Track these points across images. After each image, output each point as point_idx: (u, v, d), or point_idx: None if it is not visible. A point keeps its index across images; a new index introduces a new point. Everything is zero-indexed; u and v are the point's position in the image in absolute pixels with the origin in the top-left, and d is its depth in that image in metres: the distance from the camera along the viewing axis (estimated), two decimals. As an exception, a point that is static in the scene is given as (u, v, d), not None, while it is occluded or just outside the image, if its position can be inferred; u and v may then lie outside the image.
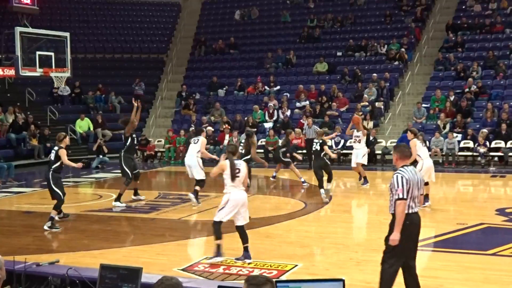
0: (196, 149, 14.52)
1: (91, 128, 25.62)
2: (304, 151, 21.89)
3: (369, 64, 27.94)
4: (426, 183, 12.94)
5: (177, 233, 12.07)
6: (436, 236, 11.01)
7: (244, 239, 9.37)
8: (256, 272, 8.66)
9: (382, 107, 25.00)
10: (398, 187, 6.75)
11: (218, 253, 9.27)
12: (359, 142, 17.27)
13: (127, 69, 31.18)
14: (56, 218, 12.34)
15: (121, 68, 31.55)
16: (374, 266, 9.05)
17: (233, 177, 9.14)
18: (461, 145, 21.86)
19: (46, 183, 12.55)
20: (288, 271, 8.75)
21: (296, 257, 9.57)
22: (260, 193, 17.31)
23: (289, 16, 32.57)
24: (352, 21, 30.93)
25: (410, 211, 6.82)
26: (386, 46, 28.13)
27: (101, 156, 23.26)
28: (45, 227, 11.87)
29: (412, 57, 27.56)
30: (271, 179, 18.95)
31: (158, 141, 25.84)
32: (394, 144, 21.87)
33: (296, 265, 9.03)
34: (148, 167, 23.73)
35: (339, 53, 29.18)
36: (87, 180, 19.89)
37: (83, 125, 25.61)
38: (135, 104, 14.81)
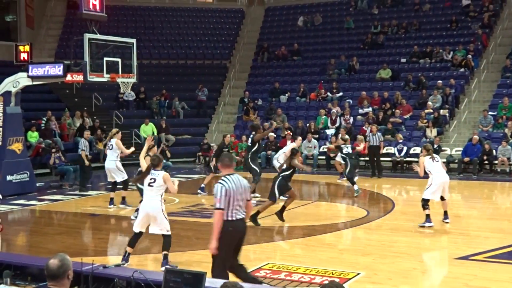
0: (114, 153, 15.08)
1: (155, 133, 26.00)
2: (367, 158, 21.70)
3: (434, 71, 27.48)
4: (443, 199, 12.74)
5: (238, 238, 12.13)
6: (503, 248, 10.72)
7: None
8: (318, 280, 8.62)
9: (447, 114, 24.53)
10: (216, 197, 7.06)
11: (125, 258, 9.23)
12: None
13: (191, 75, 31.55)
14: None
15: (185, 74, 31.95)
16: (439, 276, 8.94)
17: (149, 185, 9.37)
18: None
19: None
20: (350, 279, 8.68)
21: (358, 265, 9.49)
22: (322, 200, 17.24)
23: (353, 23, 32.36)
24: (416, 27, 30.50)
25: (233, 218, 7.14)
26: (451, 52, 27.61)
27: (164, 161, 23.55)
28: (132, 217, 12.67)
29: (478, 64, 26.97)
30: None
31: (220, 147, 26.00)
32: (460, 151, 21.57)
33: (358, 274, 8.95)
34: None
35: (403, 60, 28.81)
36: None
37: (147, 130, 26.03)
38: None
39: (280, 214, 13.16)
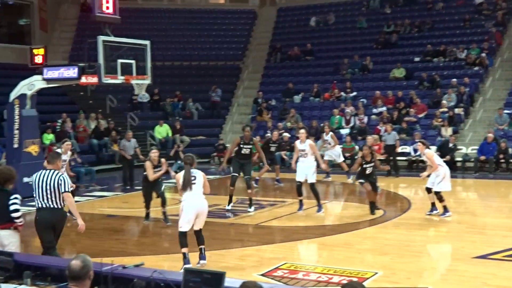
0: None
1: (170, 134, 26.07)
2: (382, 157, 21.61)
3: (448, 70, 27.36)
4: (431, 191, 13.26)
5: (255, 238, 12.14)
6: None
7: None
8: (336, 280, 8.60)
9: (462, 113, 24.40)
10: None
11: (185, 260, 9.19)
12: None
13: (204, 76, 31.60)
14: None
15: (198, 75, 32.00)
16: (457, 276, 8.89)
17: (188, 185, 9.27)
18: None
19: None
20: (368, 278, 8.65)
21: (376, 264, 9.46)
22: (338, 199, 17.21)
23: (365, 22, 32.28)
24: (430, 26, 30.37)
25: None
26: (465, 51, 27.48)
27: (179, 162, 23.59)
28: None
29: (493, 62, 26.81)
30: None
31: (234, 147, 25.99)
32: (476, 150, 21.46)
33: (376, 273, 8.91)
34: (225, 172, 23.88)
35: (416, 59, 28.70)
36: (166, 185, 20.15)
37: (162, 131, 26.10)
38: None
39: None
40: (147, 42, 17.98)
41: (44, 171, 8.64)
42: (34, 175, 8.62)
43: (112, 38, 16.98)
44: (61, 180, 8.50)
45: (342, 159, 20.29)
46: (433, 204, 13.36)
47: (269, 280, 8.58)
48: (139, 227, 13.45)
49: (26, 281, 6.36)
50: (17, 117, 17.37)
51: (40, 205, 8.52)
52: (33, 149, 17.24)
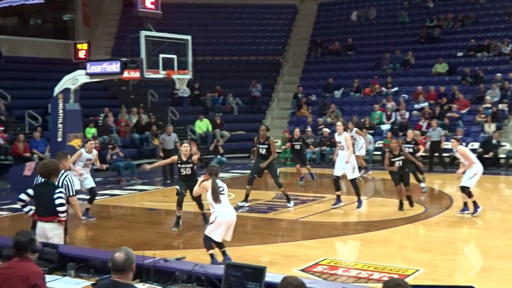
0: None
1: (210, 129, 26.18)
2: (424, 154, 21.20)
3: (491, 65, 26.90)
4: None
5: (295, 233, 12.16)
6: None
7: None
8: (376, 276, 8.55)
9: (506, 109, 23.97)
10: None
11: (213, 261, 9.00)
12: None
13: (244, 71, 31.66)
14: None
15: (239, 70, 32.07)
16: (500, 274, 8.76)
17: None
18: None
19: None
20: (409, 275, 8.57)
21: (417, 262, 9.37)
22: (378, 196, 17.09)
23: (407, 16, 31.89)
24: (473, 21, 29.89)
25: None
26: (510, 45, 26.96)
27: (219, 157, 23.71)
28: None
29: (538, 57, 26.27)
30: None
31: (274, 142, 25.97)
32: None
33: (418, 270, 8.83)
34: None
35: (459, 54, 28.28)
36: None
37: (202, 125, 26.23)
38: None
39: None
40: (189, 37, 18.08)
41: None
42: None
43: (154, 33, 17.11)
44: (66, 182, 8.61)
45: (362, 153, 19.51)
46: (465, 204, 13.06)
47: (309, 275, 8.56)
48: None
49: (70, 273, 6.48)
50: (61, 111, 17.63)
51: None
52: (76, 142, 17.46)
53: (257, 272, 5.63)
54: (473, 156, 13.47)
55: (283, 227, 12.61)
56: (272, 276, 5.69)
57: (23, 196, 7.98)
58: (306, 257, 9.80)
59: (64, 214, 7.86)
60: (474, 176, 12.93)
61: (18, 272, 5.21)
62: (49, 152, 18.96)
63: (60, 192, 7.82)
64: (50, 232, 7.79)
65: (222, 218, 8.97)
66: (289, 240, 11.23)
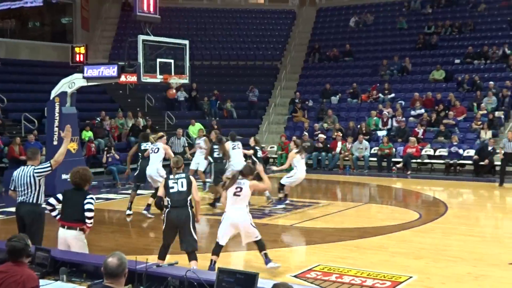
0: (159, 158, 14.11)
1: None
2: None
3: (488, 72, 26.96)
4: None
5: (289, 239, 12.16)
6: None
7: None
8: (369, 283, 8.55)
9: (502, 116, 24.02)
10: None
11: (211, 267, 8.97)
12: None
13: (242, 76, 31.70)
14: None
15: (236, 75, 32.10)
16: (493, 282, 8.77)
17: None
18: None
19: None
20: (402, 282, 8.59)
21: (410, 268, 9.38)
22: (372, 202, 17.11)
23: (406, 23, 31.99)
24: (471, 28, 29.98)
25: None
26: (508, 52, 27.00)
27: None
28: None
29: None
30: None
31: (271, 147, 26.04)
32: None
33: (411, 277, 8.84)
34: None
35: (457, 61, 28.35)
36: (201, 184, 20.26)
37: (194, 130, 26.16)
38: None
39: None
40: (186, 42, 18.12)
41: (23, 166, 8.77)
42: (15, 171, 8.72)
43: (152, 38, 17.15)
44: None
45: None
46: None
47: (302, 281, 8.57)
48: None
49: (62, 277, 6.48)
50: (57, 114, 17.64)
51: (18, 200, 8.68)
52: (72, 146, 17.45)
53: (250, 278, 5.63)
54: None
55: (278, 233, 12.59)
56: (264, 282, 5.70)
57: (52, 200, 8.02)
58: (300, 263, 9.81)
59: (91, 221, 7.76)
60: None
61: (13, 277, 5.20)
62: (44, 155, 18.93)
63: (91, 198, 7.76)
64: (72, 240, 7.71)
65: (228, 219, 9.10)
66: (283, 246, 11.23)
